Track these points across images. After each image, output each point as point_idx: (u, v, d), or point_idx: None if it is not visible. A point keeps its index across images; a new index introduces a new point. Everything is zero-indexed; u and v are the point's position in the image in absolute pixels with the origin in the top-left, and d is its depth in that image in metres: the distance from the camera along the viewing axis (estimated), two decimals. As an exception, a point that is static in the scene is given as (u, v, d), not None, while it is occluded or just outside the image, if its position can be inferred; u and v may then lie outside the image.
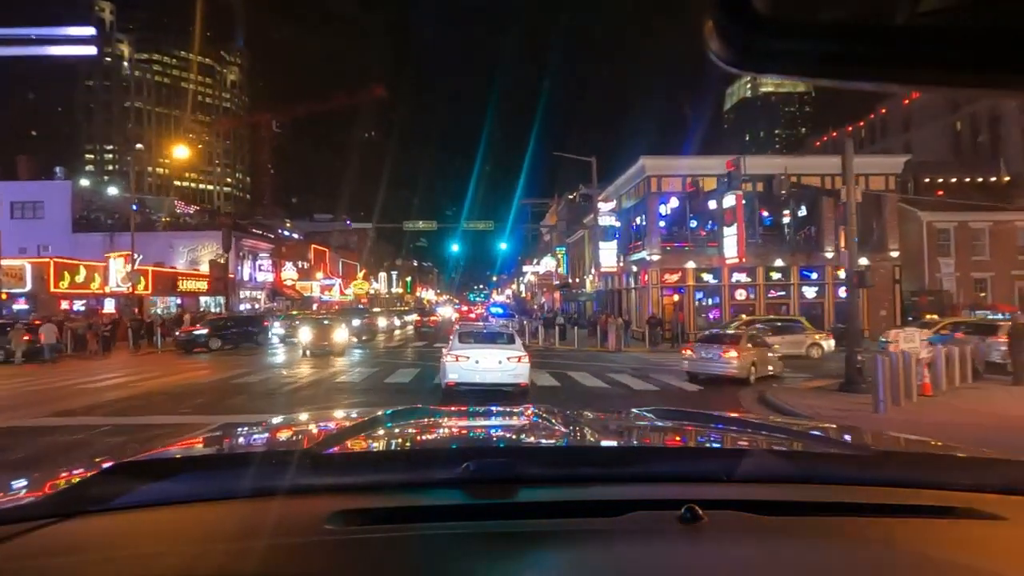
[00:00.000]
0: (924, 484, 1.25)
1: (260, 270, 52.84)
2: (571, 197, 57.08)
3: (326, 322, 24.08)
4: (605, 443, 1.92)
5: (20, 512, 1.13)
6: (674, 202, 32.03)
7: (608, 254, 36.54)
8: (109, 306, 35.21)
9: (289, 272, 57.86)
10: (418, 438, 1.95)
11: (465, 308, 69.96)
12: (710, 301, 32.06)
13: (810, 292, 31.70)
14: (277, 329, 30.11)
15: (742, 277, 31.55)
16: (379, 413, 2.19)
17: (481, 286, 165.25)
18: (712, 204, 31.77)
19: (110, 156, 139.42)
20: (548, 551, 0.98)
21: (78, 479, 1.32)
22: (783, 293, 31.66)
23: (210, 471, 1.36)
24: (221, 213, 75.13)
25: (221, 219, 60.24)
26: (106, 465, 1.35)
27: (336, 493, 1.18)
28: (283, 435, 2.10)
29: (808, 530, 1.07)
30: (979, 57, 0.62)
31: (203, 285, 43.88)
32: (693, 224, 32.45)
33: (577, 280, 51.52)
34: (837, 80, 0.70)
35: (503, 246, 36.40)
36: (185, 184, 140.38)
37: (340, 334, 23.32)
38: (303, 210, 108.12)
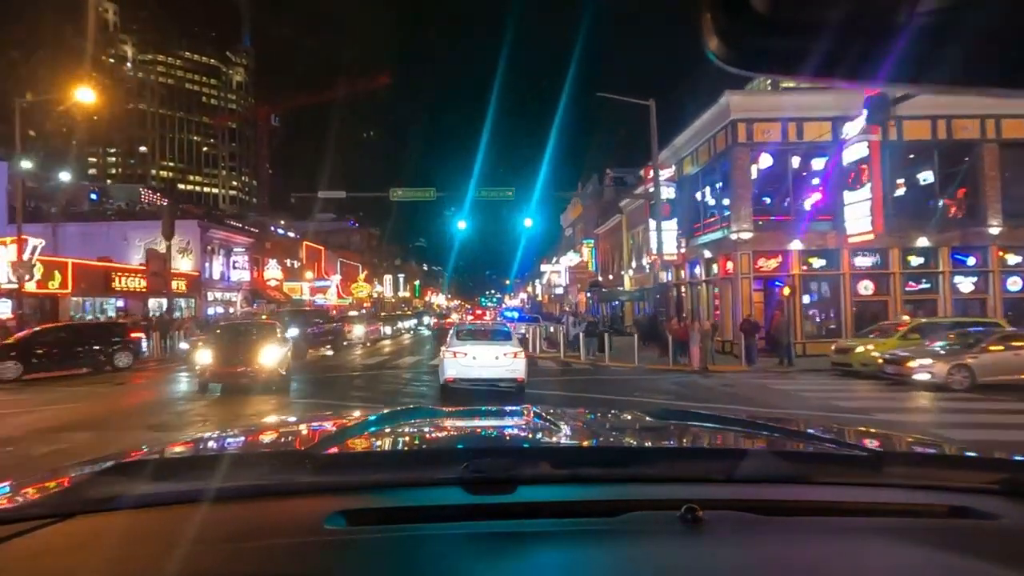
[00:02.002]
0: (924, 484, 1.21)
1: (235, 267, 43.27)
2: (605, 181, 47.12)
3: (254, 333, 14.07)
4: (605, 443, 1.83)
5: (20, 512, 1.10)
6: (765, 160, 22.00)
7: (669, 237, 26.60)
8: (5, 309, 25.71)
9: (273, 271, 48.25)
10: (418, 438, 1.85)
11: (480, 311, 62.76)
12: (808, 298, 22.02)
13: (965, 284, 21.53)
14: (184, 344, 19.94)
15: (867, 262, 21.46)
16: (378, 413, 2.15)
17: (492, 291, 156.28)
18: (817, 162, 21.81)
19: (113, 159, 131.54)
20: (548, 551, 0.96)
21: (78, 479, 1.28)
22: (927, 285, 21.49)
23: (210, 471, 1.27)
24: (192, 204, 64.73)
25: (187, 207, 50.80)
26: (106, 465, 1.31)
27: (335, 493, 1.14)
28: (283, 435, 2.03)
29: (808, 530, 1.04)
30: (981, 57, 0.61)
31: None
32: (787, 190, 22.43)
33: (611, 277, 41.46)
34: (837, 80, 0.68)
35: (528, 222, 26.60)
36: (189, 187, 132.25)
37: (269, 354, 13.00)
38: (306, 211, 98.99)
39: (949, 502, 1.13)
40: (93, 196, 46.92)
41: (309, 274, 53.04)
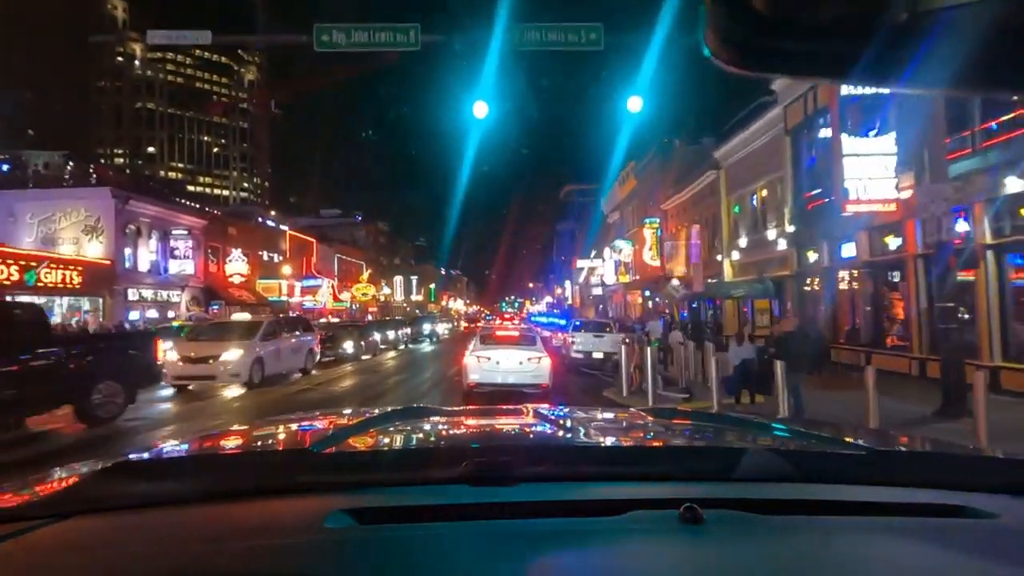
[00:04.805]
0: (924, 483, 1.17)
1: (174, 256, 30.55)
2: (668, 143, 33.62)
3: None
4: (605, 442, 1.73)
5: (20, 512, 1.06)
6: None
7: (867, 167, 13.31)
8: None
9: (237, 264, 35.51)
10: (418, 437, 1.76)
11: (507, 316, 52.97)
12: None
13: None
14: None
15: None
16: (379, 413, 2.03)
17: (513, 296, 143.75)
18: None
19: (121, 160, 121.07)
20: (548, 550, 0.92)
21: (78, 479, 1.24)
22: None
23: (209, 471, 1.25)
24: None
25: (99, 169, 38.16)
26: (106, 465, 1.25)
27: (336, 492, 1.09)
28: (282, 434, 1.91)
29: (808, 529, 1.00)
30: (982, 58, 0.59)
31: (13, 272, 21.63)
32: None
33: (688, 270, 27.80)
34: (839, 80, 0.66)
35: (634, 104, 12.24)
36: (199, 189, 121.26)
37: None
38: (312, 208, 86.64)
39: (949, 501, 1.08)
40: (3, 167, 34.52)
41: (287, 269, 40.20)
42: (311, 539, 0.93)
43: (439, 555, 0.91)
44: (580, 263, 54.44)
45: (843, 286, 16.80)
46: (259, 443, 1.77)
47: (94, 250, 26.89)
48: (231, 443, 1.76)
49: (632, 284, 39.92)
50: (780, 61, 0.63)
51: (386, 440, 1.63)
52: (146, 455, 1.43)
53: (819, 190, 17.25)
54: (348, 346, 18.54)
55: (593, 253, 51.93)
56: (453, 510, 1.02)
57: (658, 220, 33.00)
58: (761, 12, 0.59)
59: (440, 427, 1.89)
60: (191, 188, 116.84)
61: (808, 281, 18.79)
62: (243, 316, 15.91)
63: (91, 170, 36.33)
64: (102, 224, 27.03)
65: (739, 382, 9.64)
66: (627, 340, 13.55)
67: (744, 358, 9.61)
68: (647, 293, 36.50)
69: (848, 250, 16.13)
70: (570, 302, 63.34)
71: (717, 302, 25.85)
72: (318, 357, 16.09)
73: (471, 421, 2.15)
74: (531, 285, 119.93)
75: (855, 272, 16.07)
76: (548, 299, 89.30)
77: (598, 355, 16.64)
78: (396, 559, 0.89)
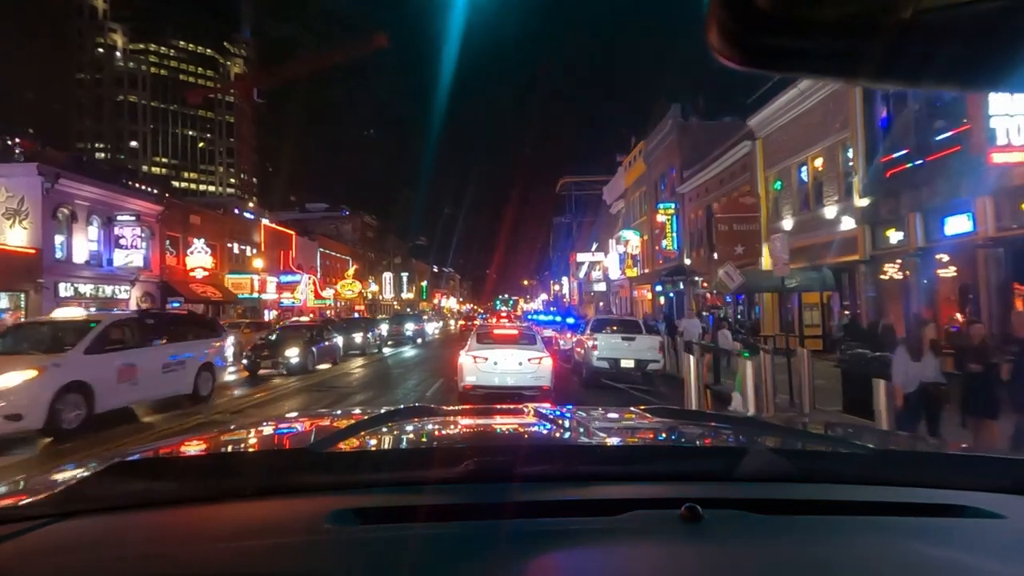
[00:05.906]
0: (924, 483, 1.15)
1: (119, 246, 26.25)
2: (685, 115, 29.58)
3: None
4: (605, 441, 1.69)
5: (20, 512, 1.05)
6: None
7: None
8: None
9: (199, 257, 31.21)
10: (418, 437, 1.71)
11: (503, 313, 54.26)
12: None
13: None
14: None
15: None
16: (379, 412, 1.94)
17: (507, 295, 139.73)
18: None
19: (102, 155, 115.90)
20: (548, 550, 0.91)
21: (78, 479, 1.21)
22: None
23: (210, 471, 1.25)
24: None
25: (25, 143, 33.50)
26: (106, 465, 1.24)
27: (336, 492, 1.09)
28: (283, 434, 1.90)
29: (808, 529, 1.00)
30: (982, 56, 0.58)
31: None
32: None
33: (733, 253, 23.72)
34: (842, 79, 0.66)
35: None
36: (183, 185, 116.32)
37: None
38: (301, 205, 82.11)
39: (953, 501, 1.06)
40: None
41: (258, 262, 35.88)
42: (312, 539, 0.92)
43: (440, 555, 0.89)
44: (581, 257, 50.44)
45: (946, 272, 12.83)
46: (259, 443, 1.72)
47: (17, 237, 22.56)
48: (231, 443, 1.70)
49: (641, 278, 35.94)
50: (784, 60, 0.62)
51: (387, 440, 1.60)
52: (146, 455, 1.42)
53: (905, 151, 13.32)
54: (293, 354, 13.52)
55: (595, 246, 47.94)
56: (454, 510, 1.00)
57: (674, 206, 29.00)
58: (765, 10, 0.58)
59: (440, 427, 1.82)
60: (176, 183, 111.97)
61: (885, 268, 14.83)
62: (71, 312, 11.14)
63: (12, 143, 31.60)
64: (27, 207, 22.69)
65: (916, 415, 5.63)
66: (647, 339, 9.55)
67: (924, 380, 5.59)
68: (659, 288, 32.53)
69: (957, 224, 12.15)
70: (569, 299, 59.41)
71: (752, 298, 21.86)
72: (226, 374, 11.23)
73: (471, 421, 2.08)
74: (525, 283, 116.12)
75: (968, 253, 12.09)
76: (543, 296, 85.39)
77: (628, 363, 12.62)
78: (397, 558, 0.88)
